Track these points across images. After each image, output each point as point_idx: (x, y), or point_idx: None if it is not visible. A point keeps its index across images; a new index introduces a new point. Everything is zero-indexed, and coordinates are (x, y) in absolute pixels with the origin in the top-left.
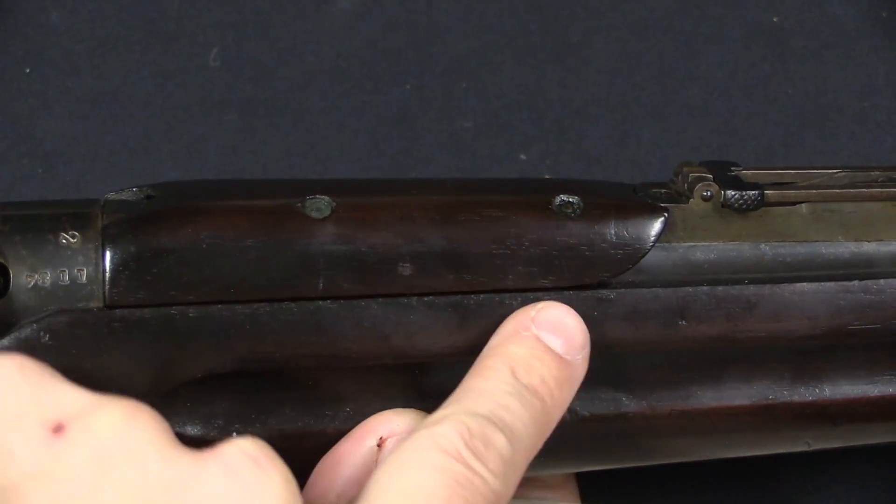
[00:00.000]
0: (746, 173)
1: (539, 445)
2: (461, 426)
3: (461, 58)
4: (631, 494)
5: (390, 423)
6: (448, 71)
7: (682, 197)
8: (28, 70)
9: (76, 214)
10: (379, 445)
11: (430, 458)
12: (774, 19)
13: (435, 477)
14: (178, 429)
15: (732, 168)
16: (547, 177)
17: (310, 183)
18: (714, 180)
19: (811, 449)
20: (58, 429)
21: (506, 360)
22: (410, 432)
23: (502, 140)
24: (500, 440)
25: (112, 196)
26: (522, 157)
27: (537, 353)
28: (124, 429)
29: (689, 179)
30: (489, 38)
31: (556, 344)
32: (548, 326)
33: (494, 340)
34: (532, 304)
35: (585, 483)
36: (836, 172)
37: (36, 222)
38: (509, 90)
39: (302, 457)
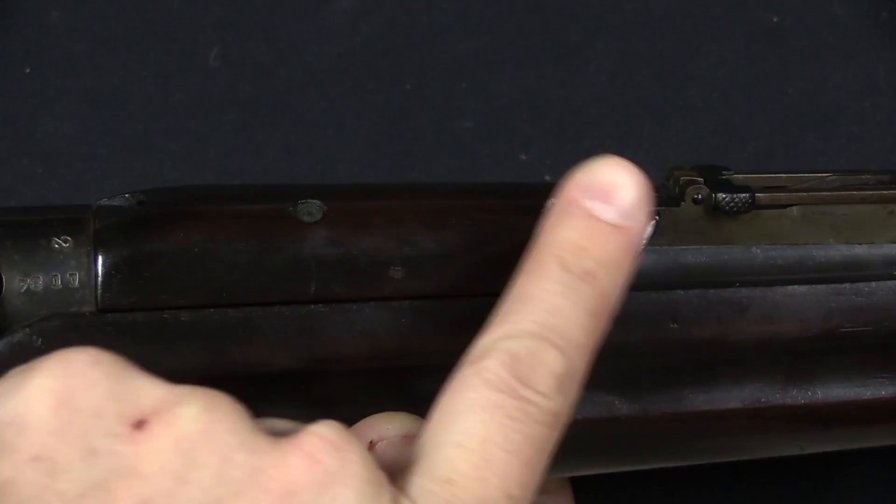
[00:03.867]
0: (737, 177)
1: (602, 330)
2: (504, 356)
3: (461, 58)
4: (625, 498)
5: (381, 426)
6: (448, 71)
7: (673, 200)
8: (28, 70)
9: (68, 219)
10: (370, 449)
11: (478, 399)
12: (774, 19)
13: (486, 419)
14: None
15: (723, 172)
16: (547, 178)
17: (301, 187)
18: (705, 183)
19: (804, 452)
20: (139, 424)
21: (553, 249)
22: (405, 434)
23: (502, 140)
24: (549, 356)
25: (104, 202)
26: (522, 157)
27: (587, 233)
28: (206, 419)
29: (680, 183)
30: (489, 38)
31: (609, 213)
32: (598, 194)
33: (543, 225)
34: (582, 167)
35: (579, 487)
36: (827, 176)
37: (28, 227)
38: (509, 90)
39: None
